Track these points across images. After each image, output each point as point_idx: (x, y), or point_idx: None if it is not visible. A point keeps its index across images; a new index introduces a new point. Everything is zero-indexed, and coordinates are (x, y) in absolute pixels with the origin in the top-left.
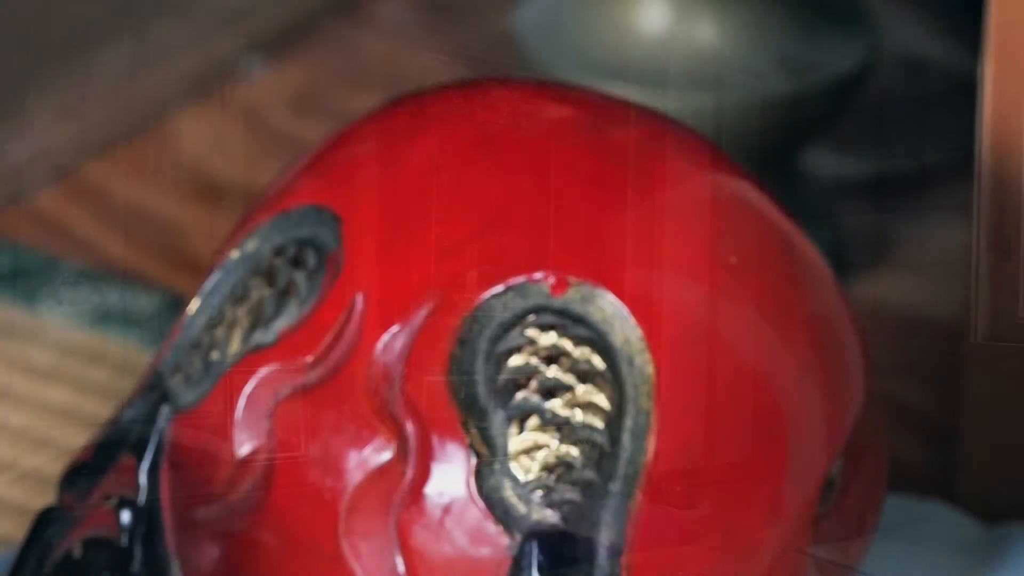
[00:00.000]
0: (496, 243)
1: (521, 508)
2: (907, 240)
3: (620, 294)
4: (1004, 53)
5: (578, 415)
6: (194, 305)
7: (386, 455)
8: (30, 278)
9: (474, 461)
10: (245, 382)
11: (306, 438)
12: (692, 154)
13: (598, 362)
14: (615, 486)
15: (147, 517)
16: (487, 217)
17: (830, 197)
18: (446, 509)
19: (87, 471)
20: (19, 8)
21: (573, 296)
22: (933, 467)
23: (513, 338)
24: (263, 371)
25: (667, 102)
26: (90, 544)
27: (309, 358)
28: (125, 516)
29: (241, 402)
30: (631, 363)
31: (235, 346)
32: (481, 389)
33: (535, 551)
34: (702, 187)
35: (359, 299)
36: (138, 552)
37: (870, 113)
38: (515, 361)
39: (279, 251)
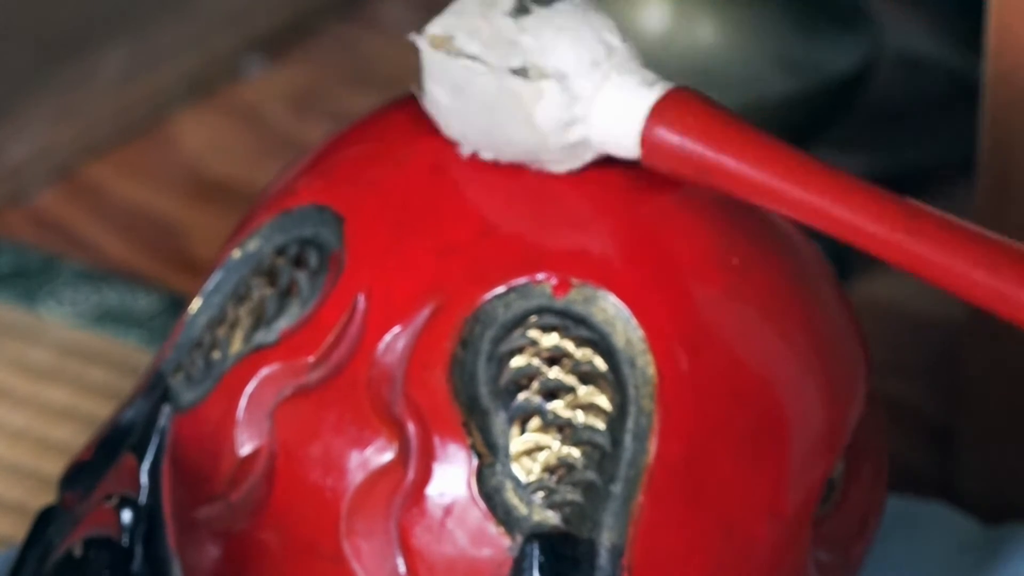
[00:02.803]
0: (498, 244)
1: (522, 509)
2: None
3: (622, 295)
4: (1004, 53)
5: (580, 416)
6: (195, 304)
7: (387, 456)
8: (30, 278)
9: (475, 462)
10: (247, 382)
11: (307, 438)
12: None
13: (600, 363)
14: (616, 487)
15: (148, 516)
16: (489, 217)
17: None
18: (447, 510)
19: (88, 470)
20: (20, 8)
21: (575, 297)
22: (933, 467)
23: (515, 339)
24: (265, 371)
25: None
26: (91, 544)
27: (311, 358)
28: (126, 515)
29: (242, 402)
30: (633, 364)
31: (237, 346)
32: (483, 390)
33: (536, 552)
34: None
35: (361, 299)
36: (139, 551)
37: (870, 113)
38: (517, 362)
39: (281, 251)
